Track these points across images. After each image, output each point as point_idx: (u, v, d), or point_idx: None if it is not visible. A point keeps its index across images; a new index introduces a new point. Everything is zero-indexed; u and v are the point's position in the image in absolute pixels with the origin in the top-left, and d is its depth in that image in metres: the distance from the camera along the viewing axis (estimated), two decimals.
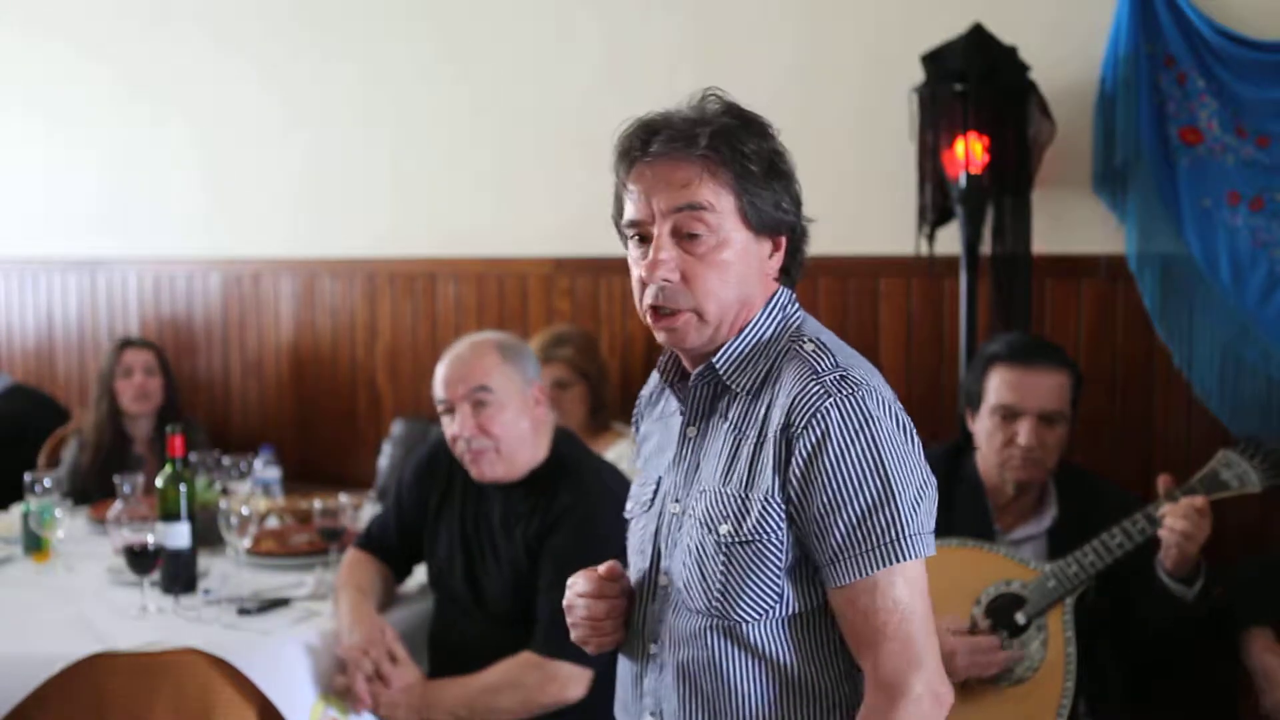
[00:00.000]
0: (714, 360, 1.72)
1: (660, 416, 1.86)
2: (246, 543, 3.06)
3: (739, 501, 1.67)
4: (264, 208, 4.78)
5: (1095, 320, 3.40)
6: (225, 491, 3.47)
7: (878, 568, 1.60)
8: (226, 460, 3.60)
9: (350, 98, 4.55)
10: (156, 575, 2.89)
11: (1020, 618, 2.63)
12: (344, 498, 3.19)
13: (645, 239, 1.71)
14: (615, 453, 3.56)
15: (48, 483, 3.25)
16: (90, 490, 3.87)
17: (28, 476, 3.27)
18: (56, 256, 5.24)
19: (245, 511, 3.01)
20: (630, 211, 1.73)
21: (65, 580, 3.12)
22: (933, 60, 3.27)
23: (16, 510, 3.46)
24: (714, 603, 1.67)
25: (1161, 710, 3.10)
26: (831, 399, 1.61)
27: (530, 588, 2.69)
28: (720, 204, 1.68)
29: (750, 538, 1.65)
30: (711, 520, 1.68)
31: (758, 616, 1.66)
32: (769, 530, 1.64)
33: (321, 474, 4.45)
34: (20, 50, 5.23)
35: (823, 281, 3.64)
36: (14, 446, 4.26)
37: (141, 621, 2.77)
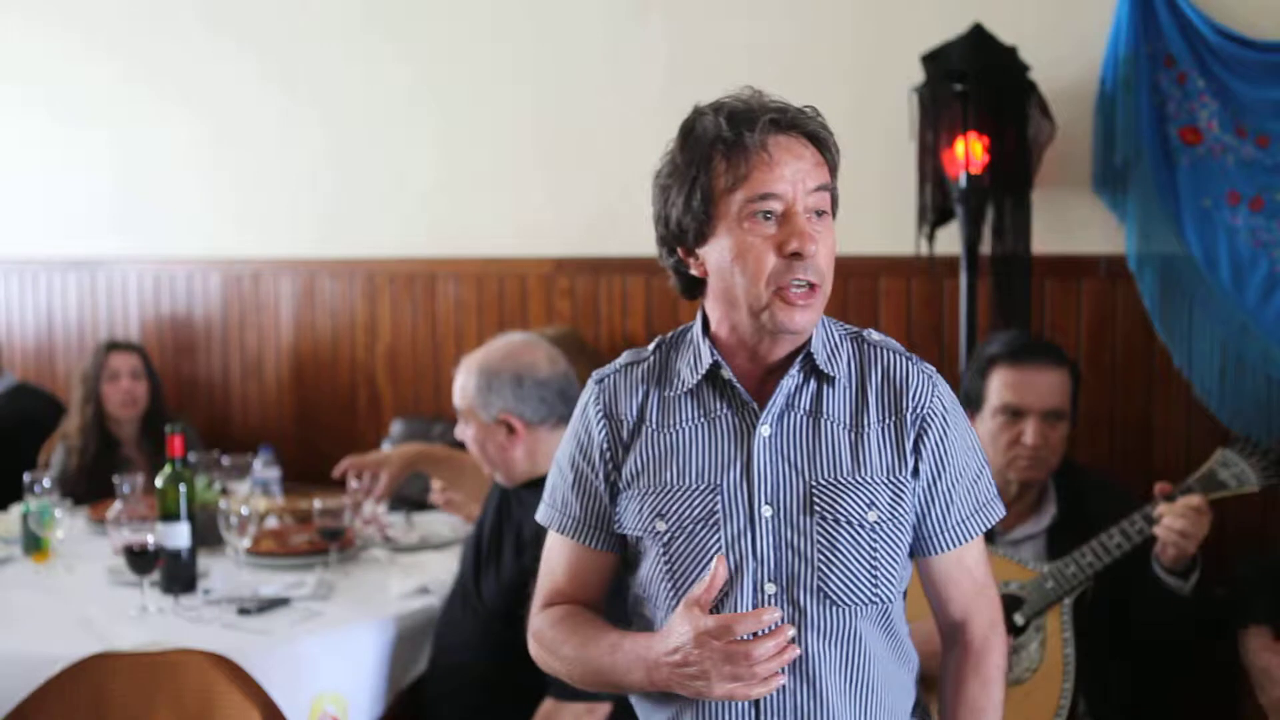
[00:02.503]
0: (810, 350, 1.71)
1: (672, 425, 1.74)
2: (246, 543, 3.06)
3: (885, 486, 1.70)
4: (264, 208, 4.77)
5: (1095, 320, 3.40)
6: (225, 491, 3.46)
7: (985, 526, 1.78)
8: (226, 460, 3.60)
9: (350, 98, 4.55)
10: (156, 575, 2.89)
11: (1018, 619, 2.63)
12: (346, 497, 3.19)
13: (771, 214, 1.65)
14: None
15: (47, 483, 3.25)
16: (79, 495, 3.82)
17: (27, 476, 3.27)
18: (56, 256, 5.23)
19: (245, 511, 3.01)
20: (766, 182, 1.64)
21: (65, 580, 3.11)
22: (933, 60, 3.27)
23: (16, 510, 3.45)
24: (868, 590, 1.69)
25: (1161, 711, 3.09)
26: (934, 381, 1.75)
27: (519, 597, 2.66)
28: (829, 188, 1.70)
29: (897, 519, 1.70)
30: (853, 510, 1.68)
31: (896, 596, 1.74)
32: (906, 510, 1.72)
33: (321, 474, 4.43)
34: (20, 48, 5.22)
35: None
36: (20, 444, 4.25)
37: (141, 621, 2.77)
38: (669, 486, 1.72)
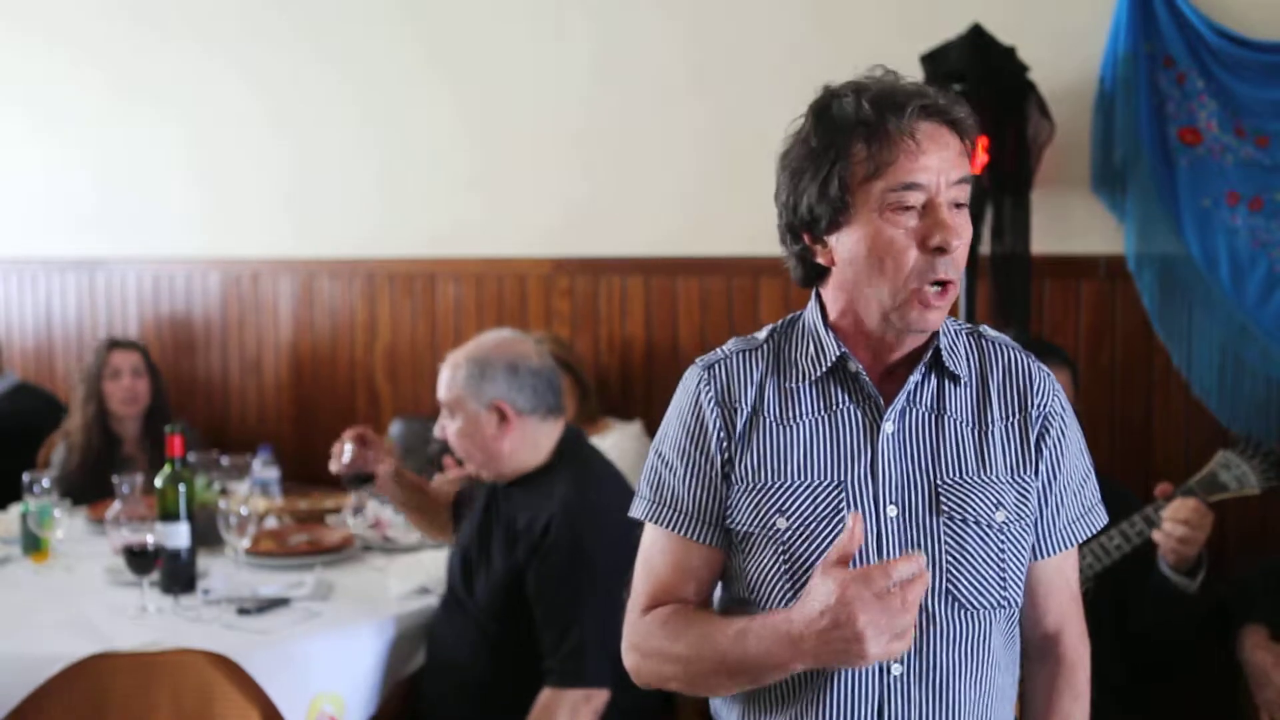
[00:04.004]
0: (938, 346, 1.65)
1: (792, 417, 1.65)
2: (245, 543, 3.05)
3: (1011, 485, 1.65)
4: (263, 208, 4.77)
5: (1094, 320, 3.39)
6: (224, 491, 3.46)
7: (1090, 531, 1.74)
8: (225, 460, 3.59)
9: (348, 97, 4.55)
10: (156, 575, 2.88)
11: None
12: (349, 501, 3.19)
13: (912, 206, 1.57)
14: (609, 442, 3.56)
15: (46, 482, 3.25)
16: (80, 493, 3.81)
17: (26, 476, 3.27)
18: (55, 256, 5.23)
19: (244, 511, 3.00)
20: (911, 174, 1.56)
21: (65, 580, 3.11)
22: (932, 60, 3.27)
23: (15, 510, 3.45)
24: (997, 593, 1.63)
25: (1160, 710, 3.10)
26: (1053, 379, 1.71)
27: (510, 594, 2.67)
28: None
29: (1024, 519, 1.66)
30: (981, 511, 1.62)
31: (1021, 600, 1.69)
32: (1031, 510, 1.67)
33: (320, 474, 4.42)
34: (18, 50, 5.22)
35: None
36: (19, 444, 4.24)
37: (141, 621, 2.77)
38: (791, 482, 1.63)
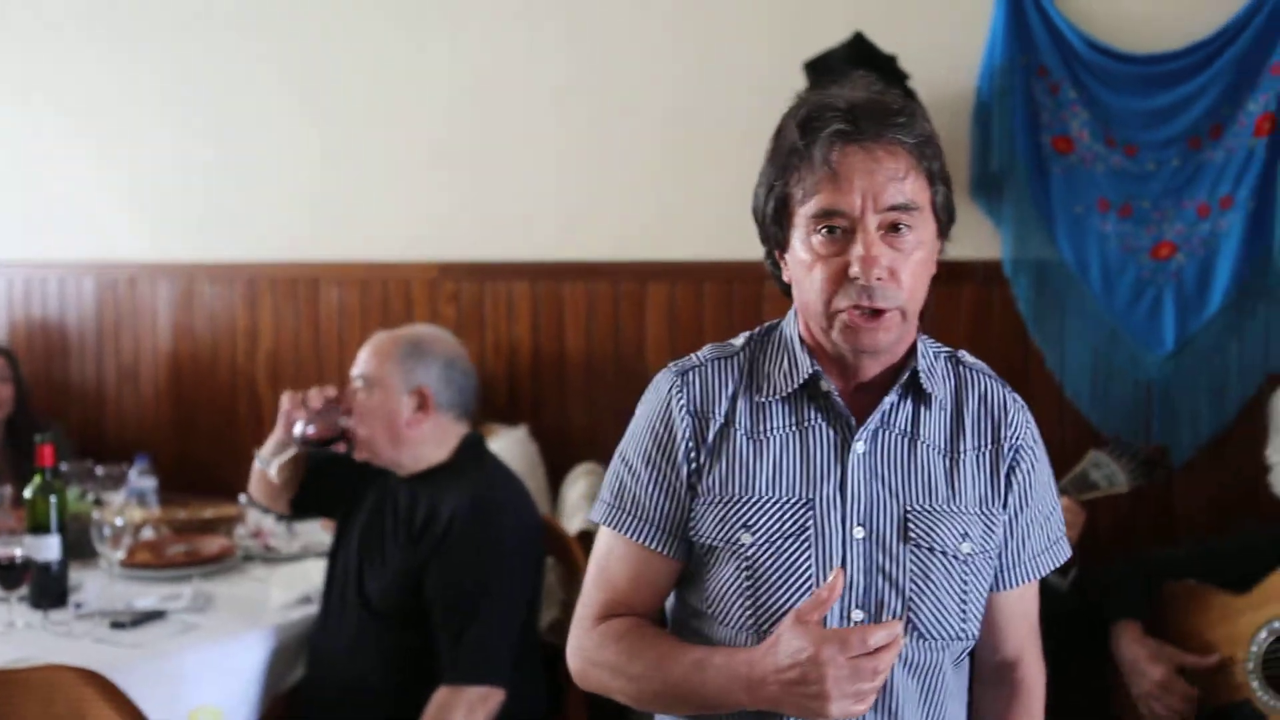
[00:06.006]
0: (916, 368, 1.63)
1: (763, 431, 1.63)
2: (120, 554, 2.98)
3: (979, 518, 1.63)
4: (141, 210, 4.68)
5: (973, 324, 3.44)
6: (99, 502, 3.39)
7: (1053, 564, 1.74)
8: (100, 470, 3.52)
9: (228, 96, 4.47)
10: (25, 589, 2.80)
11: None
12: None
13: (836, 230, 1.54)
14: (495, 448, 3.49)
15: None
16: None
17: None
18: None
19: (119, 522, 2.94)
20: (830, 200, 1.54)
21: None
22: (814, 68, 3.31)
23: None
24: (956, 625, 1.62)
25: None
26: (1026, 411, 1.70)
27: (409, 592, 2.65)
28: (923, 200, 1.57)
29: (988, 552, 1.64)
30: (948, 540, 1.60)
31: (978, 633, 1.67)
32: (996, 543, 1.66)
33: (200, 483, 4.36)
34: None
35: (708, 286, 3.64)
36: None
37: (8, 638, 2.70)
38: (759, 497, 1.61)
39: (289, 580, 3.08)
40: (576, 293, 3.89)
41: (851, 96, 1.56)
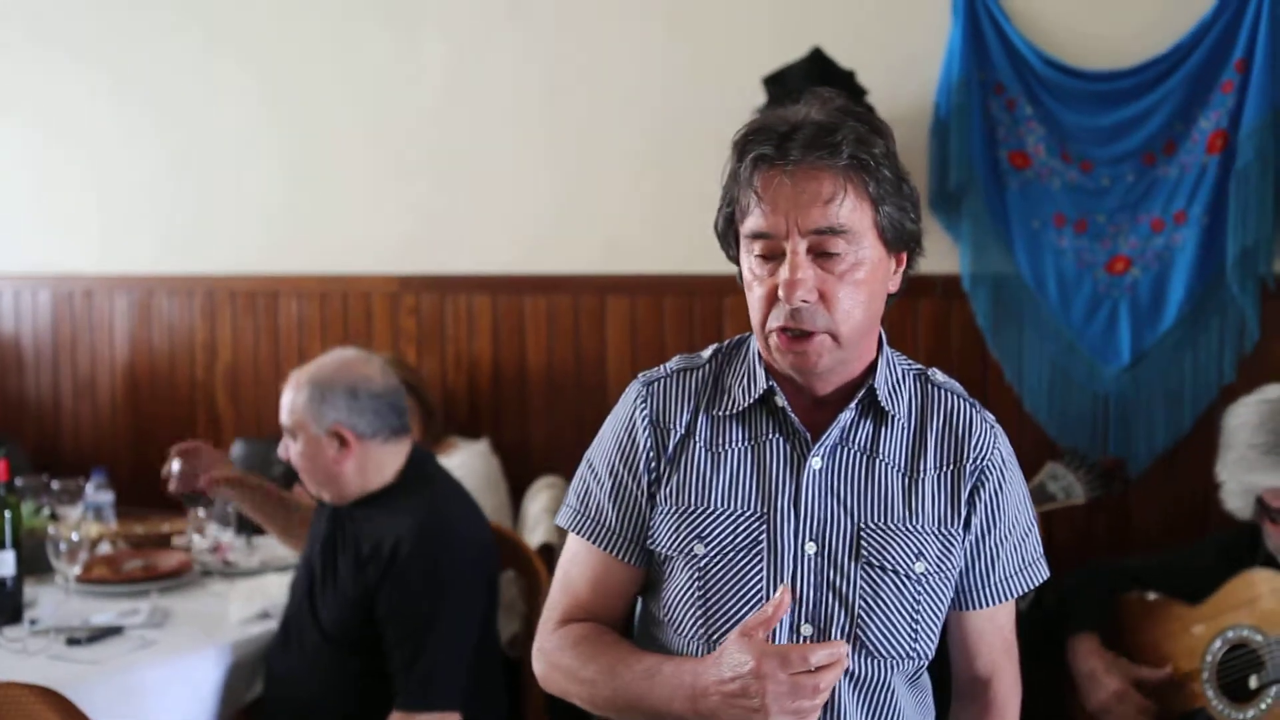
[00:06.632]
0: (874, 384, 1.62)
1: (722, 444, 1.64)
2: (76, 570, 2.90)
3: (935, 538, 1.62)
4: (98, 222, 4.64)
5: (932, 338, 3.47)
6: (54, 517, 3.34)
7: (1028, 586, 1.70)
8: (56, 484, 3.45)
9: (188, 109, 4.44)
10: None
11: None
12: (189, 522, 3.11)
13: (772, 253, 1.56)
14: (455, 461, 3.54)
15: None
16: None
17: None
18: None
19: (75, 537, 2.86)
20: (759, 223, 1.55)
21: None
22: (773, 83, 3.32)
23: None
24: (906, 645, 1.61)
25: None
26: (995, 431, 1.68)
27: (360, 617, 2.63)
28: (860, 222, 1.54)
29: (944, 573, 1.63)
30: (900, 560, 1.60)
31: (933, 652, 1.66)
32: (954, 564, 1.64)
33: (157, 497, 4.29)
34: None
35: (668, 301, 3.64)
36: None
37: None
38: (714, 509, 1.62)
39: (248, 595, 3.03)
40: (537, 307, 3.88)
41: (795, 118, 1.56)
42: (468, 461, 3.58)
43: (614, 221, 3.79)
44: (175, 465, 2.90)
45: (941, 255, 3.40)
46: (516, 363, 3.90)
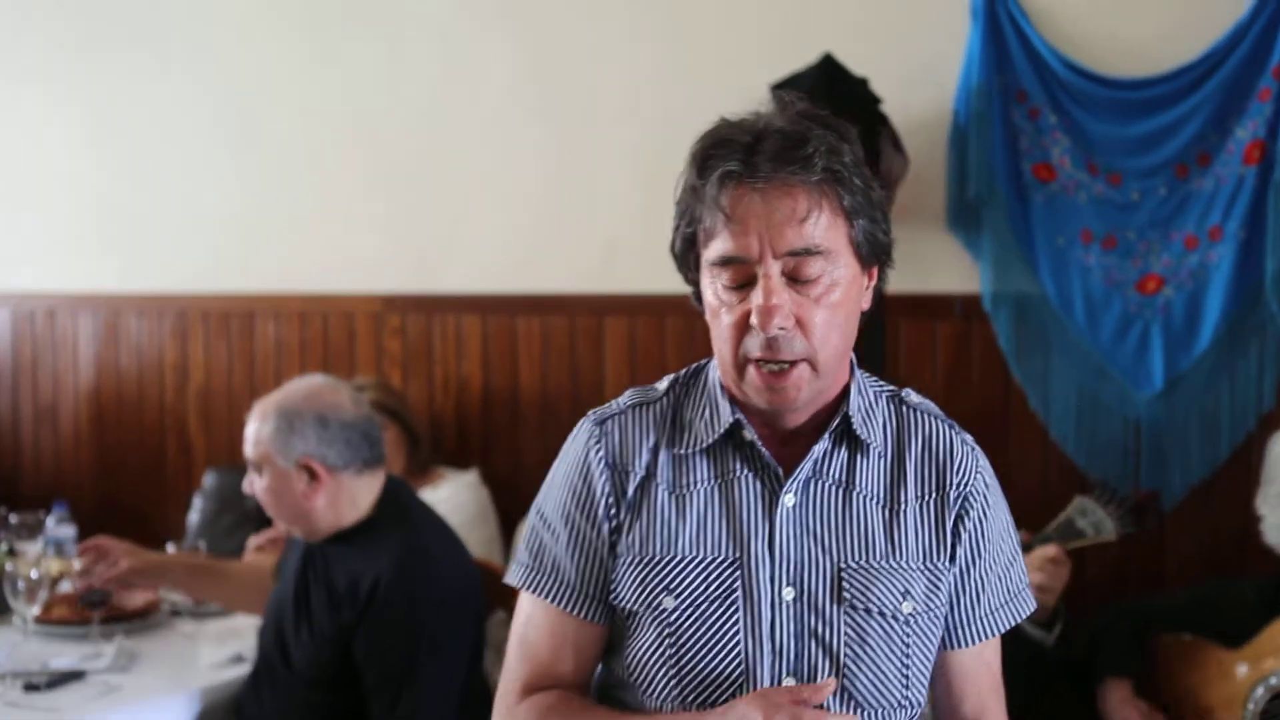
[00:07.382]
0: (848, 412, 1.54)
1: (686, 485, 1.55)
2: (36, 610, 2.83)
3: (922, 573, 1.54)
4: (60, 239, 4.58)
5: (951, 361, 3.39)
6: (12, 552, 3.26)
7: (1015, 619, 1.63)
8: (14, 518, 3.37)
9: (158, 121, 4.38)
10: None
11: None
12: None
13: (743, 277, 1.47)
14: (443, 493, 3.49)
15: None
16: None
17: None
18: None
19: (34, 575, 2.79)
20: (727, 246, 1.46)
21: None
22: (782, 90, 3.20)
23: None
24: (898, 693, 1.52)
25: None
26: (977, 454, 1.60)
27: (337, 658, 2.54)
28: (836, 240, 1.47)
29: (933, 612, 1.55)
30: (887, 600, 1.51)
31: (925, 700, 1.57)
32: (942, 601, 1.56)
33: (125, 531, 4.18)
34: None
35: (670, 321, 3.57)
36: None
37: None
38: (682, 557, 1.53)
39: (219, 637, 3.01)
40: (530, 327, 3.82)
41: (759, 127, 1.49)
42: (456, 494, 3.52)
43: (611, 237, 3.74)
44: (76, 565, 2.88)
45: (961, 273, 3.33)
46: (508, 387, 3.84)
